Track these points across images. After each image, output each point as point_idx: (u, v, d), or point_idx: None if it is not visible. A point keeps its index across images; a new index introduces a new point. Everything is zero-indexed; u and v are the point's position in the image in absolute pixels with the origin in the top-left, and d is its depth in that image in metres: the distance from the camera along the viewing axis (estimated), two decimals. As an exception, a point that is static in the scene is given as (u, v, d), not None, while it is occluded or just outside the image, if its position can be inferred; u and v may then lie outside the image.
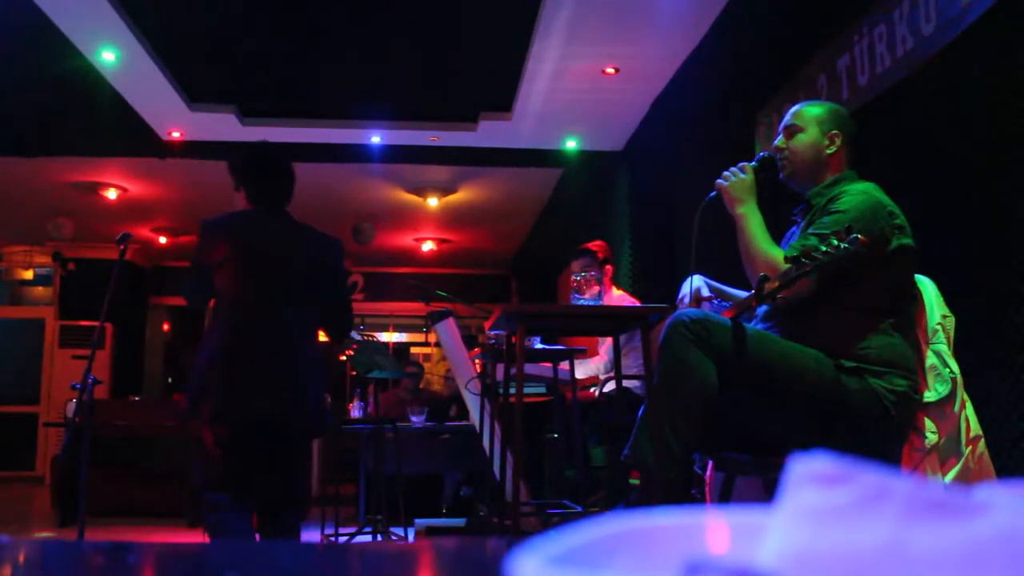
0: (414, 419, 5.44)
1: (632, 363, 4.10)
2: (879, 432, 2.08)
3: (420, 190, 7.92)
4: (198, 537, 5.28)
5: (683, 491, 2.07)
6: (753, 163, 2.34)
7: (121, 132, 6.34)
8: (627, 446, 2.25)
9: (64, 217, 8.59)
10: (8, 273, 10.39)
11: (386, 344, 10.82)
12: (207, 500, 2.71)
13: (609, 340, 4.25)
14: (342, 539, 4.52)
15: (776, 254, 2.15)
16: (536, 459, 4.63)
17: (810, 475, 0.30)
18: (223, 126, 6.23)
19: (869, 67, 3.17)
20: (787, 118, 2.38)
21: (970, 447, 2.07)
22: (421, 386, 7.55)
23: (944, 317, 2.20)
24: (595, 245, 4.46)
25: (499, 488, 3.69)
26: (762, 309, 2.28)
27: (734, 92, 4.51)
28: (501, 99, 5.98)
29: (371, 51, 5.50)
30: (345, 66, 5.71)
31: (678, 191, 5.59)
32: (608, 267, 4.37)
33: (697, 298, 2.48)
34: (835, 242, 1.86)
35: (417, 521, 4.97)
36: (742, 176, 2.30)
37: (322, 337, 3.05)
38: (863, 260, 1.98)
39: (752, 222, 2.25)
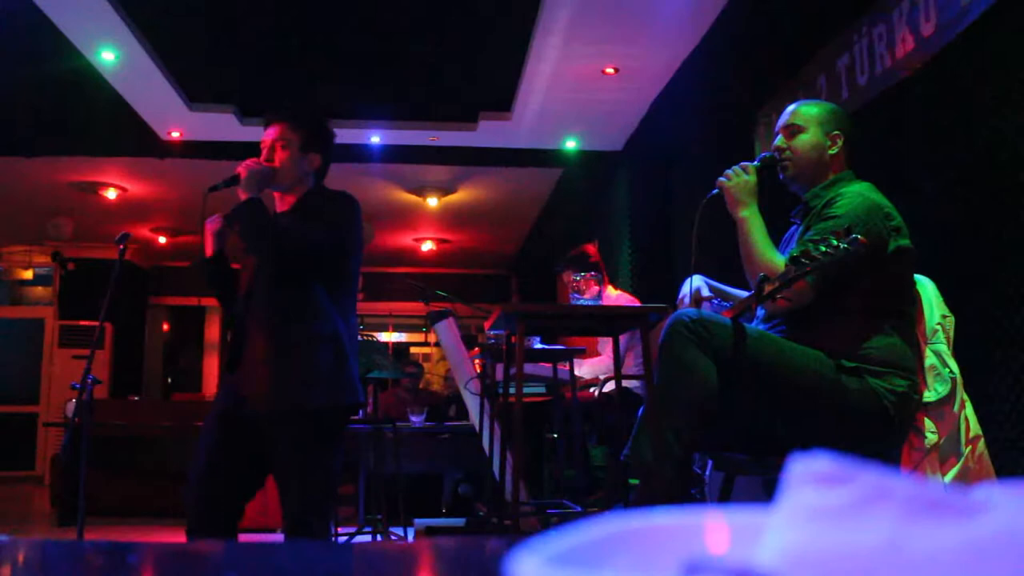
0: (413, 419, 5.43)
1: (632, 363, 4.11)
2: (879, 432, 2.08)
3: (420, 190, 7.92)
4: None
5: (683, 491, 2.07)
6: (755, 163, 2.31)
7: (121, 132, 6.33)
8: (627, 446, 2.25)
9: (64, 217, 8.59)
10: (8, 273, 10.39)
11: (385, 344, 10.83)
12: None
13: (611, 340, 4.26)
14: (342, 539, 4.52)
15: (778, 260, 2.14)
16: (536, 459, 4.63)
17: (810, 475, 0.30)
18: (223, 126, 6.23)
19: (869, 67, 3.17)
20: (785, 117, 2.36)
21: (970, 447, 2.07)
22: (420, 386, 7.55)
23: (944, 317, 2.20)
24: (584, 249, 4.47)
25: (499, 488, 3.69)
26: (762, 310, 2.28)
27: (734, 92, 4.51)
28: (501, 99, 5.98)
29: (371, 51, 5.51)
30: (345, 66, 5.71)
31: (678, 191, 5.60)
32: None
33: (697, 298, 2.47)
34: (834, 242, 1.86)
35: (417, 521, 4.97)
36: (745, 177, 2.26)
37: None
38: (862, 261, 1.98)
39: (754, 226, 2.22)
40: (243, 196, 2.47)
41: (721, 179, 2.29)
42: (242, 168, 2.50)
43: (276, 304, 2.51)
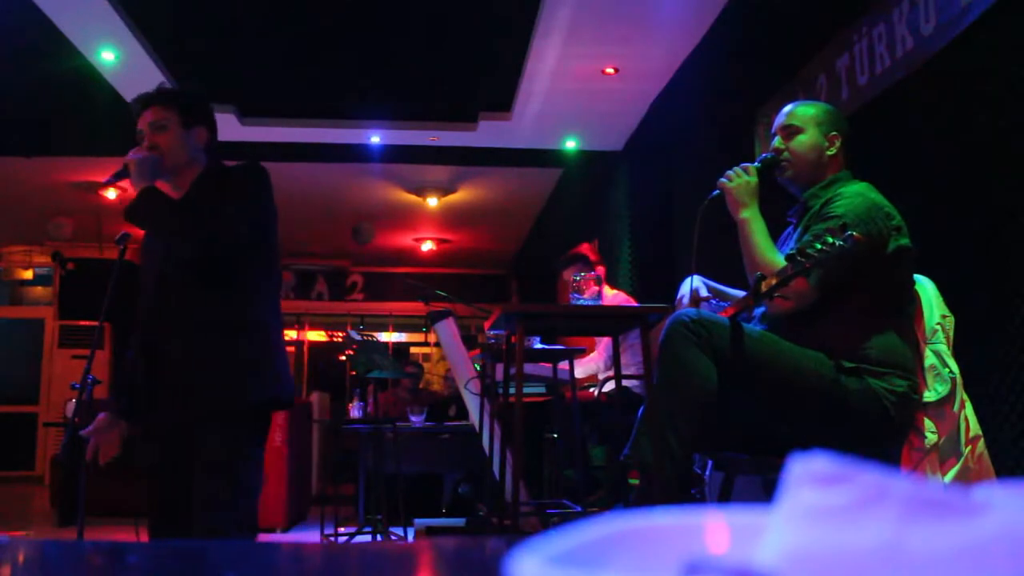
0: (413, 419, 5.44)
1: (630, 360, 4.11)
2: (879, 432, 2.08)
3: (420, 190, 7.93)
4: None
5: (683, 491, 2.07)
6: (756, 164, 2.32)
7: (121, 132, 6.32)
8: (627, 446, 2.25)
9: (64, 217, 8.60)
10: (8, 273, 10.40)
11: (385, 344, 10.83)
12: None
13: (606, 339, 4.25)
14: (342, 539, 4.52)
15: (779, 260, 2.14)
16: (536, 459, 4.63)
17: (809, 475, 0.30)
18: (223, 126, 6.11)
19: (869, 67, 3.17)
20: (782, 118, 2.36)
21: (969, 447, 2.07)
22: (420, 386, 7.55)
23: (944, 317, 2.20)
24: (583, 249, 4.47)
25: (498, 488, 3.69)
26: (759, 310, 2.28)
27: (734, 92, 4.51)
28: (501, 99, 5.99)
29: (371, 51, 5.51)
30: (345, 66, 5.71)
31: (678, 191, 5.60)
32: (600, 268, 4.38)
33: (695, 298, 2.47)
34: (830, 239, 1.87)
35: (417, 521, 4.97)
36: (746, 178, 2.26)
37: None
38: (861, 260, 1.99)
39: (756, 228, 2.23)
40: (135, 189, 2.29)
41: (722, 180, 2.29)
42: (129, 158, 2.30)
43: (190, 295, 2.29)
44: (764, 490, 2.42)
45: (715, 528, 0.35)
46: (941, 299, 2.24)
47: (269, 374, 2.28)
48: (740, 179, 2.27)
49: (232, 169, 2.39)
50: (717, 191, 2.30)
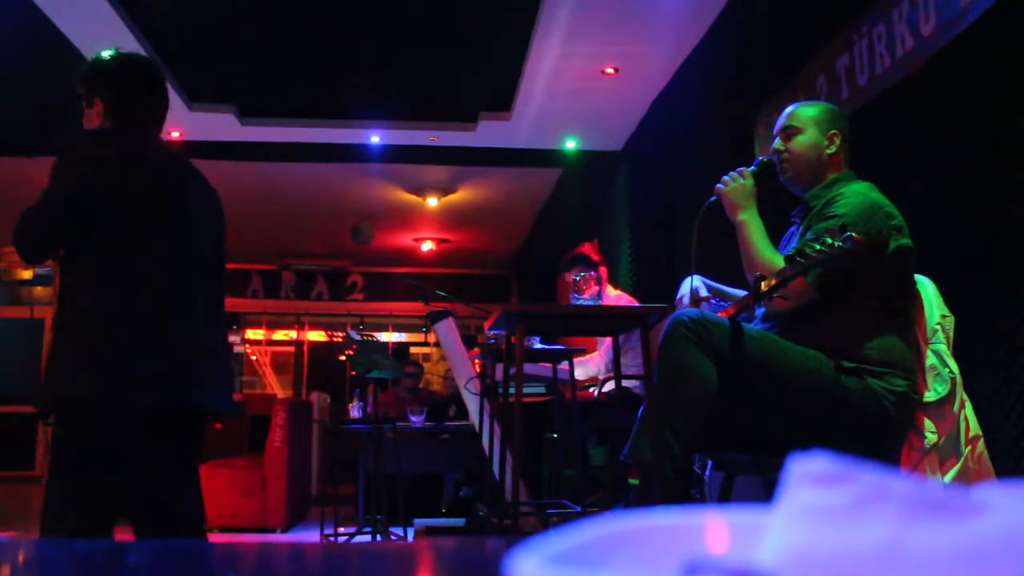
0: (413, 419, 5.44)
1: (631, 362, 4.10)
2: (879, 432, 2.08)
3: (419, 190, 7.93)
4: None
5: (683, 491, 2.07)
6: (752, 168, 2.35)
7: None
8: (627, 446, 2.26)
9: (64, 217, 8.59)
10: (8, 273, 10.39)
11: (385, 344, 10.83)
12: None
13: (608, 339, 4.25)
14: (342, 539, 4.52)
15: (778, 261, 2.15)
16: (536, 459, 4.63)
17: (809, 475, 0.30)
18: (222, 126, 6.23)
19: (868, 67, 3.17)
20: (782, 120, 2.38)
21: (969, 447, 2.07)
22: (420, 386, 7.55)
23: (944, 317, 2.20)
24: (585, 249, 4.46)
25: (498, 488, 3.69)
26: (761, 310, 2.29)
27: (734, 92, 4.51)
28: (500, 99, 5.99)
29: (370, 51, 5.51)
30: (345, 66, 5.71)
31: (678, 191, 5.59)
32: (603, 268, 4.37)
33: (695, 298, 2.48)
34: (829, 240, 1.88)
35: (416, 521, 4.97)
36: (742, 181, 2.30)
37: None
38: (860, 259, 1.99)
39: (753, 229, 2.25)
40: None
41: (719, 185, 2.34)
42: None
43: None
44: (764, 490, 2.42)
45: (715, 528, 0.35)
46: (941, 299, 2.24)
47: (74, 370, 2.03)
48: (736, 183, 2.30)
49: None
50: (714, 197, 2.33)
